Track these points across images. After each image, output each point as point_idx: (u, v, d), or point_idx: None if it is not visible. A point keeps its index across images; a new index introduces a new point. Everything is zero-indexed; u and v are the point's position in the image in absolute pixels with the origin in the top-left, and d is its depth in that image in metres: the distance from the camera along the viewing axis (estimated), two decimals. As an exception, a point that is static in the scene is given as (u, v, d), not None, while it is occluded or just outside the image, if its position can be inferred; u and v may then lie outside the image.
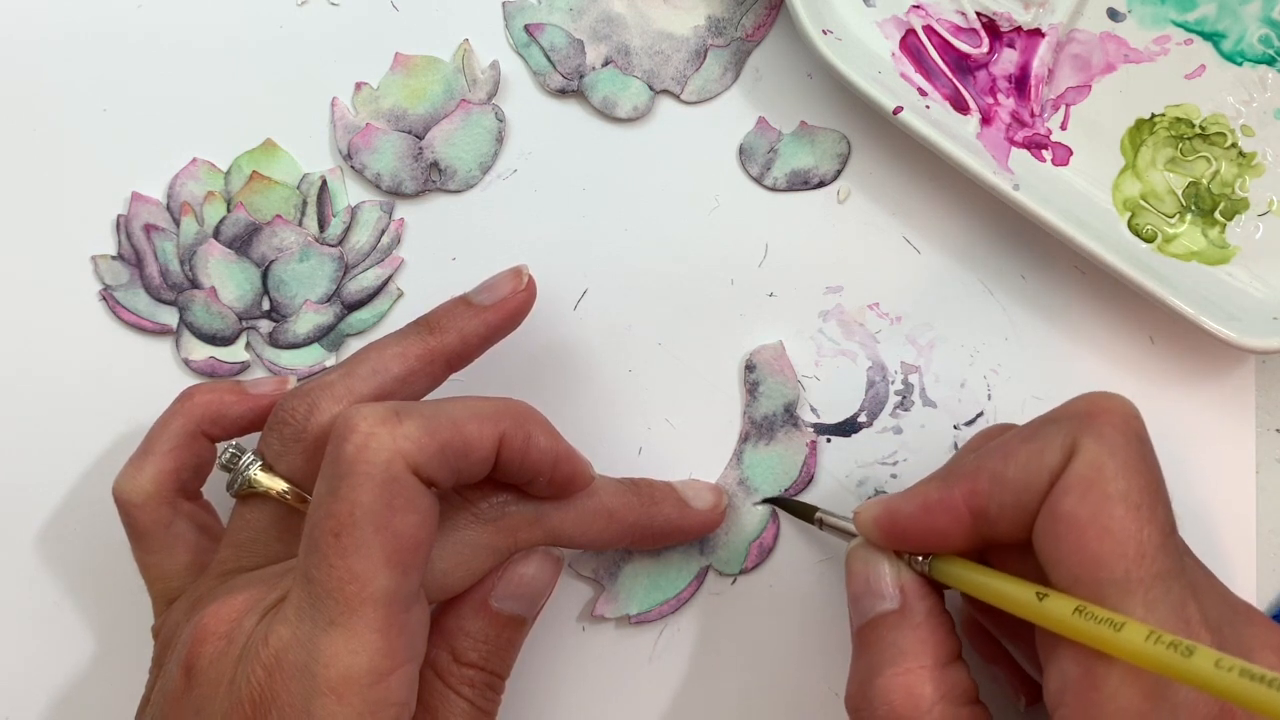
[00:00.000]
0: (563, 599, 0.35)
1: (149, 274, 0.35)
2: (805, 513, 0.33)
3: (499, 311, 0.31)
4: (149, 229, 0.35)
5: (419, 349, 0.30)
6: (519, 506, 0.29)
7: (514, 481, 0.29)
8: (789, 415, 0.35)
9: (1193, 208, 0.35)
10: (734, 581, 0.35)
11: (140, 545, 0.31)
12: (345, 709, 0.24)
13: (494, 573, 0.29)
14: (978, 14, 0.36)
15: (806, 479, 0.35)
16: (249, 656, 0.25)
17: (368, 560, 0.25)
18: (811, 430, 0.35)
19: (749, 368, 0.35)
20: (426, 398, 0.31)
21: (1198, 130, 0.35)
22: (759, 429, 0.35)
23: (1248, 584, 0.36)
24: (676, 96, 0.37)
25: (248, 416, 0.32)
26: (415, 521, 0.25)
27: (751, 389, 0.35)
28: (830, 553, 0.36)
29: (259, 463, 0.29)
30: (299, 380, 0.34)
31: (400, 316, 0.36)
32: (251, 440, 0.31)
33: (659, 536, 0.33)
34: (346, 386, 0.29)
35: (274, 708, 0.25)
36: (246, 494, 0.29)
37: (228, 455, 0.29)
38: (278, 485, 0.29)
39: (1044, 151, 0.35)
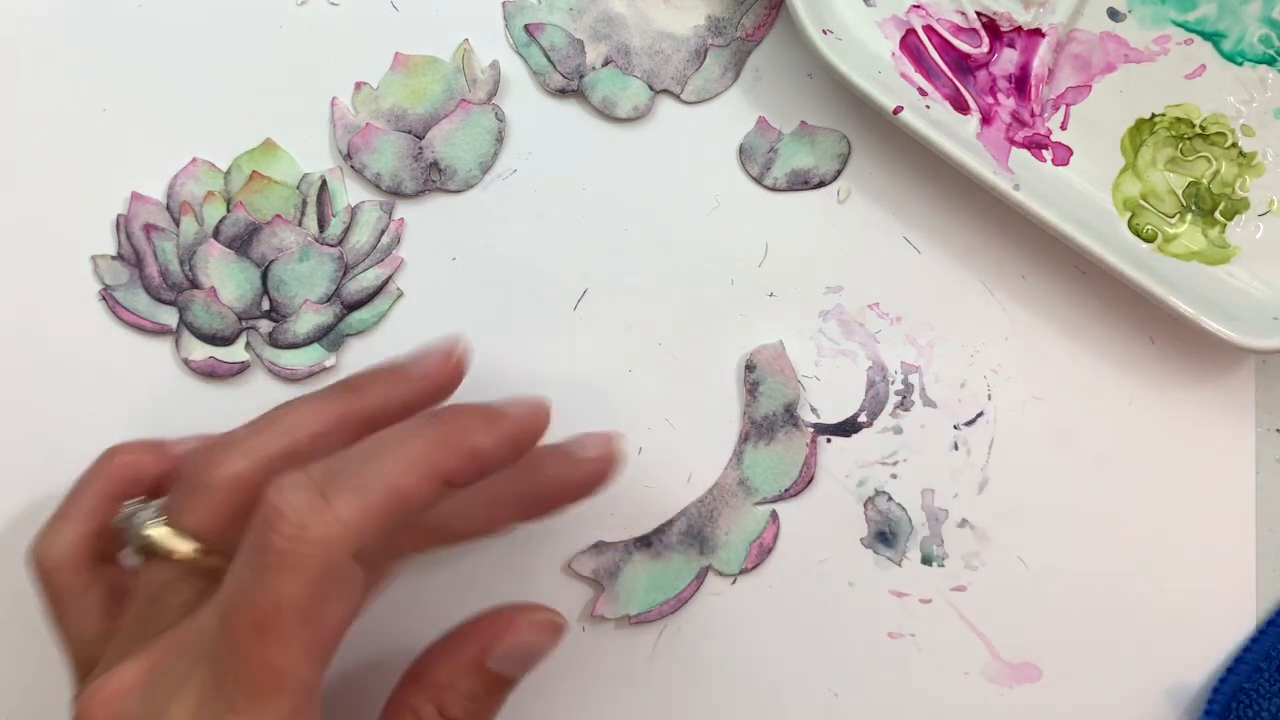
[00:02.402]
0: (563, 599, 0.35)
1: (149, 274, 0.35)
2: None
3: (426, 384, 0.30)
4: (149, 229, 0.35)
5: (337, 410, 0.29)
6: None
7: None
8: (789, 415, 0.35)
9: (1193, 208, 0.35)
10: (734, 581, 0.35)
11: (56, 610, 0.29)
12: None
13: (493, 631, 0.29)
14: (978, 14, 0.36)
15: (807, 479, 0.35)
16: None
17: (287, 654, 0.23)
18: (811, 430, 0.35)
19: (749, 368, 0.35)
20: None
21: (1198, 130, 0.35)
22: (759, 429, 0.35)
23: (1247, 584, 0.36)
24: (676, 96, 0.36)
25: (169, 476, 0.30)
26: (343, 608, 0.24)
27: (752, 389, 0.35)
28: (830, 553, 0.36)
29: (159, 520, 0.27)
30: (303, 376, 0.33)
31: (400, 316, 0.36)
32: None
33: (551, 500, 0.30)
34: (253, 444, 0.28)
35: None
36: (147, 553, 0.28)
37: (126, 513, 0.28)
38: (180, 545, 0.27)
39: (1044, 151, 0.35)
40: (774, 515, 0.35)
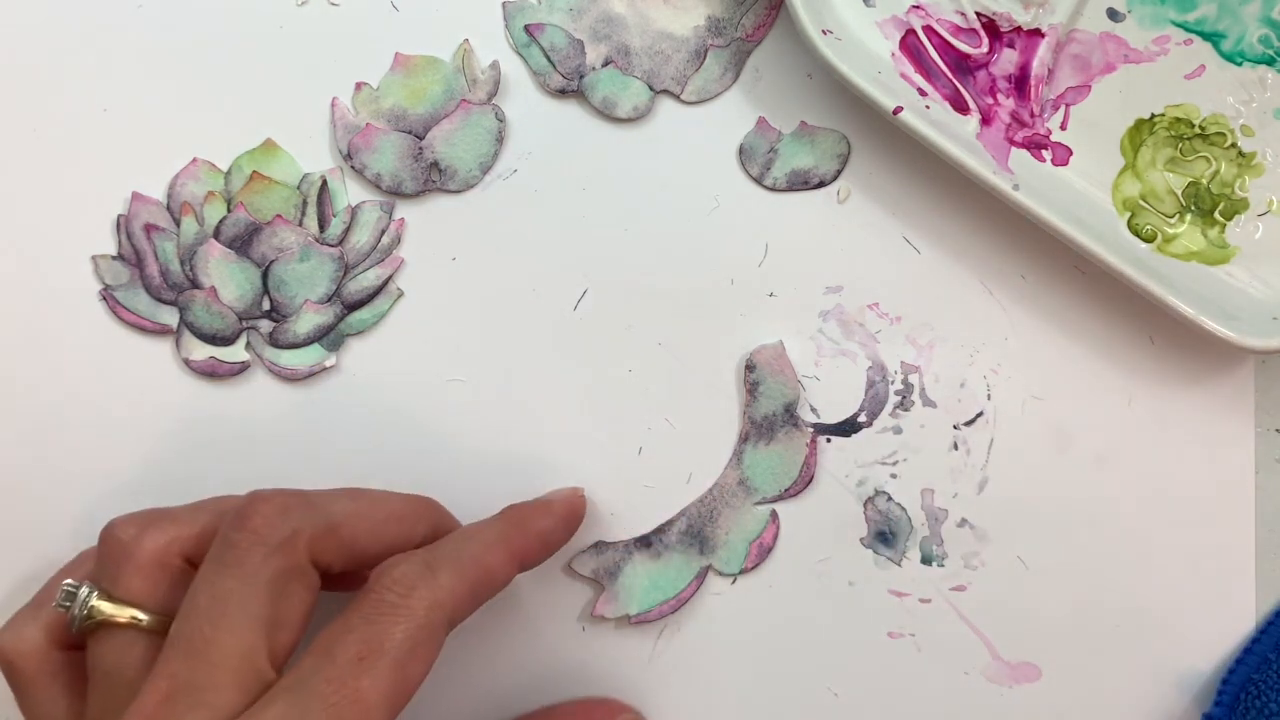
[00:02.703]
0: (563, 599, 0.35)
1: (149, 274, 0.35)
2: None
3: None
4: (149, 229, 0.35)
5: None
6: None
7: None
8: (789, 415, 0.35)
9: (1192, 208, 0.35)
10: (734, 581, 0.35)
11: (22, 699, 0.30)
12: None
13: None
14: (977, 14, 0.36)
15: (806, 479, 0.35)
16: None
17: (377, 687, 0.26)
18: (811, 430, 0.35)
19: (749, 367, 0.35)
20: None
21: (1197, 130, 0.35)
22: (759, 429, 0.35)
23: (1247, 584, 0.36)
24: (676, 96, 0.37)
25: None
26: (425, 666, 0.27)
27: (752, 389, 0.35)
28: (830, 553, 0.36)
29: (96, 591, 0.28)
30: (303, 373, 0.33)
31: (400, 316, 0.36)
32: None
33: (542, 549, 0.33)
34: (190, 516, 0.29)
35: None
36: (92, 629, 0.28)
37: (62, 593, 0.28)
38: (125, 612, 0.28)
39: (1044, 151, 0.35)
40: (774, 515, 0.35)
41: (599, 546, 0.35)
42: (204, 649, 0.26)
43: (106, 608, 0.28)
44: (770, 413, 0.35)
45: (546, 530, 0.32)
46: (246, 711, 0.25)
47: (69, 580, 0.29)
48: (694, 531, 0.35)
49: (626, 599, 0.35)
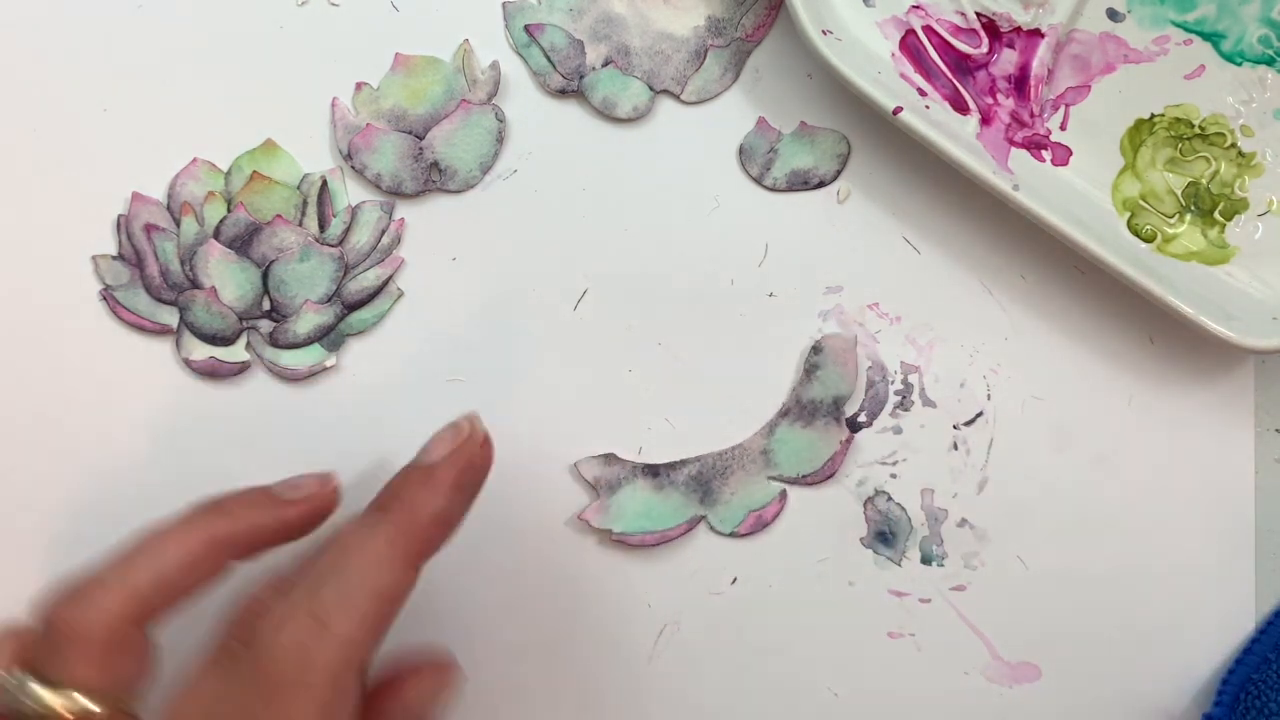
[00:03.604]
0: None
1: (149, 274, 0.35)
2: None
3: (298, 510, 0.29)
4: (149, 229, 0.35)
5: (203, 535, 0.27)
6: None
7: None
8: (835, 408, 0.35)
9: (1192, 208, 0.35)
10: (734, 581, 0.35)
11: None
12: None
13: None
14: (977, 14, 0.36)
15: (828, 474, 0.35)
16: None
17: None
18: (849, 432, 0.35)
19: (815, 349, 0.35)
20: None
21: (1197, 130, 0.35)
22: (801, 409, 0.35)
23: (1246, 584, 0.36)
24: (676, 97, 0.37)
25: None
26: None
27: (809, 370, 0.35)
28: (830, 552, 0.36)
29: (35, 681, 0.25)
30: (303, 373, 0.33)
31: (400, 316, 0.36)
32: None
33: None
34: (120, 579, 0.26)
35: None
36: None
37: (10, 687, 0.25)
38: (78, 703, 0.25)
39: (1044, 151, 0.35)
40: (783, 495, 0.35)
41: (609, 458, 0.35)
42: None
43: (54, 699, 0.25)
44: (818, 399, 0.35)
45: (441, 512, 0.28)
46: None
47: (13, 673, 0.25)
48: (702, 480, 0.35)
49: (616, 515, 0.35)
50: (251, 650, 0.25)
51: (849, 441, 0.35)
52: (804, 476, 0.35)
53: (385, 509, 0.28)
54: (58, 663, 0.26)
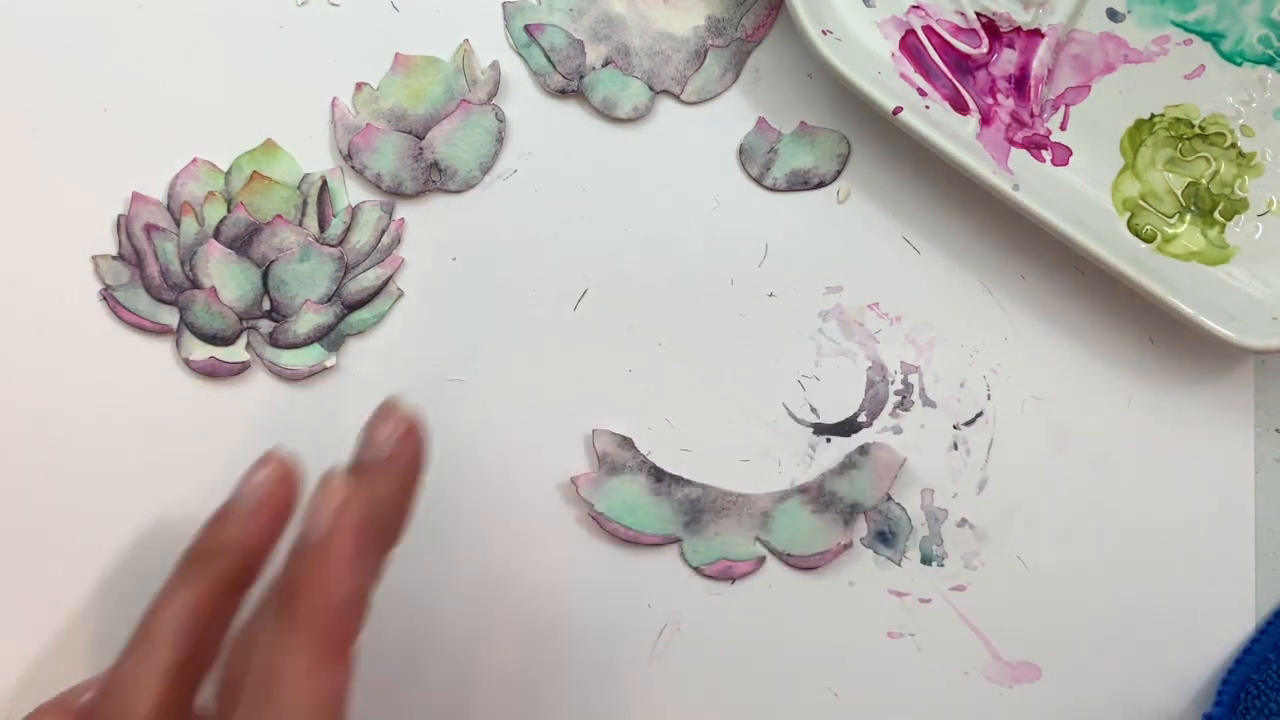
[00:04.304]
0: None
1: (149, 274, 0.35)
2: None
3: (268, 511, 0.28)
4: (149, 229, 0.35)
5: (206, 590, 0.27)
6: None
7: None
8: (850, 511, 0.35)
9: (1192, 208, 0.35)
10: (734, 581, 0.35)
11: None
12: None
13: None
14: (977, 14, 0.36)
15: (813, 565, 0.35)
16: None
17: None
18: (851, 540, 0.35)
19: (861, 450, 0.35)
20: None
21: (1197, 130, 0.35)
22: (819, 495, 0.35)
23: (1246, 584, 0.36)
24: (676, 97, 0.37)
25: None
26: None
27: (845, 466, 0.35)
28: (830, 552, 0.36)
29: None
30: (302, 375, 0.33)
31: (400, 316, 0.36)
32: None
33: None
34: (153, 671, 0.26)
35: None
36: None
37: None
38: None
39: (1043, 151, 0.35)
40: (761, 560, 0.35)
41: (624, 441, 0.35)
42: None
43: None
44: (840, 495, 0.35)
45: (351, 592, 0.25)
46: None
47: None
48: (696, 506, 0.35)
49: (604, 496, 0.35)
50: None
51: (846, 546, 0.35)
52: (789, 555, 0.35)
53: (290, 609, 0.25)
54: None
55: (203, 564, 0.27)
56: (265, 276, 0.35)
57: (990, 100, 0.35)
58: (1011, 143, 0.35)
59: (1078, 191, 0.35)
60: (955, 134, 0.34)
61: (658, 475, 0.35)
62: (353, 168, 0.36)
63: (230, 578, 0.27)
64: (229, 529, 0.28)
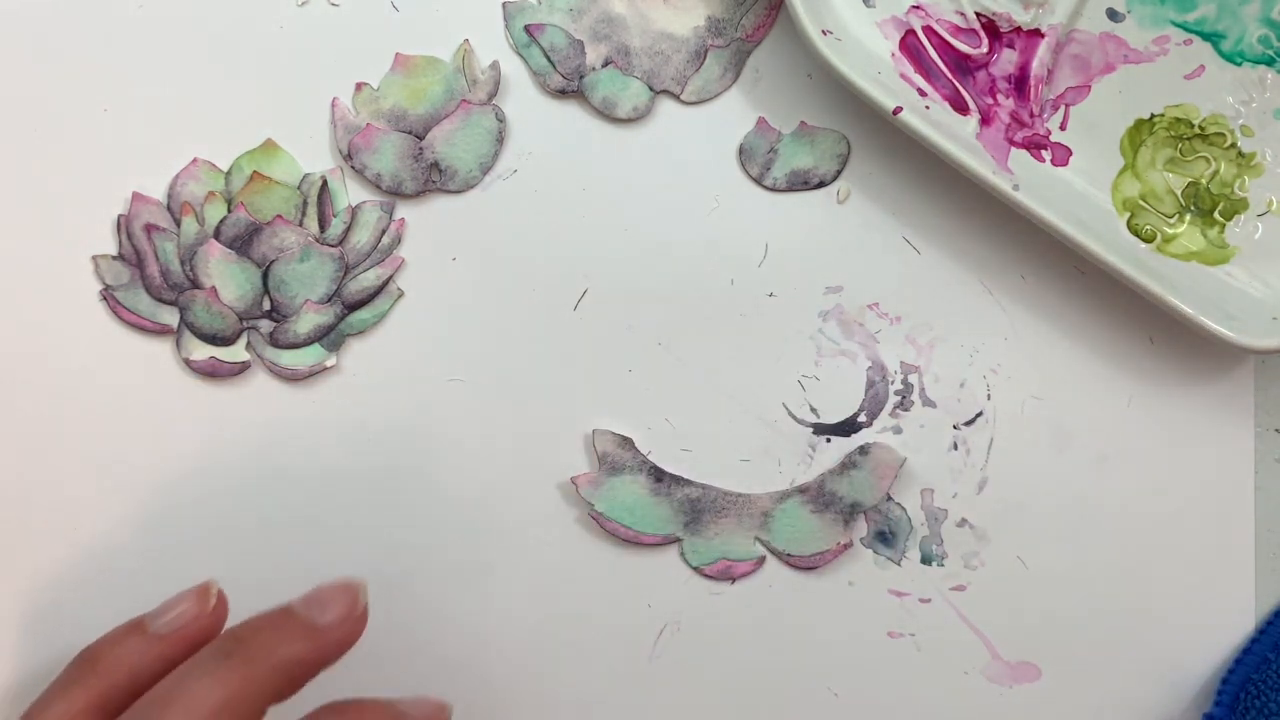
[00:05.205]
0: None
1: (150, 274, 0.35)
2: None
3: (176, 642, 0.27)
4: (149, 229, 0.35)
5: (83, 700, 0.26)
6: None
7: None
8: (850, 511, 0.35)
9: (1192, 208, 0.35)
10: (734, 581, 0.35)
11: None
12: None
13: None
14: (977, 14, 0.36)
15: (813, 565, 0.35)
16: None
17: None
18: (850, 540, 0.35)
19: (861, 450, 0.35)
20: None
21: (1197, 130, 0.36)
22: (819, 495, 0.35)
23: (1246, 584, 0.36)
24: (676, 97, 0.37)
25: None
26: None
27: (845, 466, 0.35)
28: (830, 552, 0.36)
29: None
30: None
31: (400, 316, 0.36)
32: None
33: (292, 680, 0.26)
34: None
35: None
36: None
37: None
38: None
39: (1043, 152, 0.35)
40: (761, 559, 0.35)
41: (625, 441, 0.35)
42: None
43: None
44: (840, 495, 0.35)
45: (295, 660, 0.25)
46: None
47: None
48: (696, 507, 0.35)
49: (604, 496, 0.35)
50: None
51: (846, 546, 0.35)
52: (789, 555, 0.35)
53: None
54: None
55: (89, 675, 0.27)
56: (265, 276, 0.35)
57: (990, 100, 0.35)
58: (1011, 143, 0.35)
59: (1077, 191, 0.35)
60: (955, 134, 0.34)
61: (658, 475, 0.35)
62: (353, 168, 0.36)
63: (112, 695, 0.26)
64: (128, 646, 0.27)
